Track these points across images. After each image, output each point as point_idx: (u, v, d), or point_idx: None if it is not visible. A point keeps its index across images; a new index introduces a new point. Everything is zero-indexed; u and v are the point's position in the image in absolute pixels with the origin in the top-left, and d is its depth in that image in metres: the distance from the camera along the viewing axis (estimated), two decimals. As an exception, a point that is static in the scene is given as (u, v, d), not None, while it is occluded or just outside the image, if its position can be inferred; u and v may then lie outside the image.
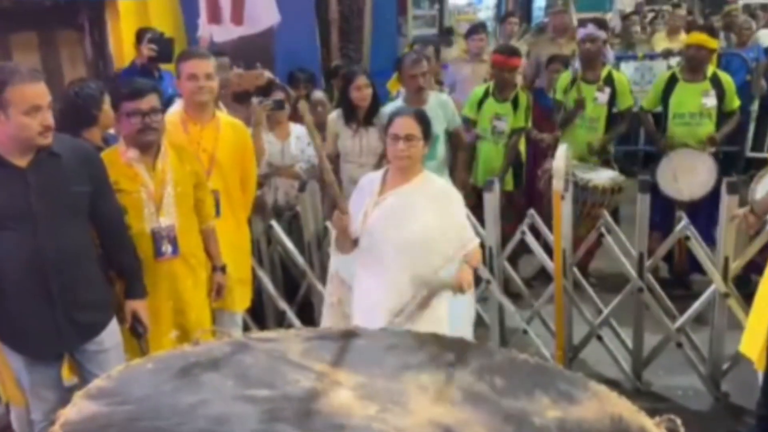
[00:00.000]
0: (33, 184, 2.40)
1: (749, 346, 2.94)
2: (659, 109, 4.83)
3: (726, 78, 4.75)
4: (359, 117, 4.22)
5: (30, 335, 2.50)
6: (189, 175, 2.95)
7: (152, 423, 1.55)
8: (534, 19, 11.32)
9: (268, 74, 4.41)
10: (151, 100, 2.78)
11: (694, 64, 4.64)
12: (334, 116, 4.36)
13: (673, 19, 7.93)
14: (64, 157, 2.48)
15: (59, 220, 2.46)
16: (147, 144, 2.81)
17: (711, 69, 4.75)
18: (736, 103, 4.73)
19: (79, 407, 1.56)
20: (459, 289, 2.64)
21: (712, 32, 4.75)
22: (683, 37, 7.71)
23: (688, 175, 4.44)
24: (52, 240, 2.42)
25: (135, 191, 2.81)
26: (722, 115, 4.67)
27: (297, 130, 4.23)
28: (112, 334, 2.69)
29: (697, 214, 4.20)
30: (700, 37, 4.63)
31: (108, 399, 1.61)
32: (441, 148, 4.32)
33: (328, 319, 2.96)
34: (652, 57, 7.24)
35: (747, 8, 9.12)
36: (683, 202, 4.44)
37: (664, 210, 4.10)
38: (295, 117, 4.14)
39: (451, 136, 4.41)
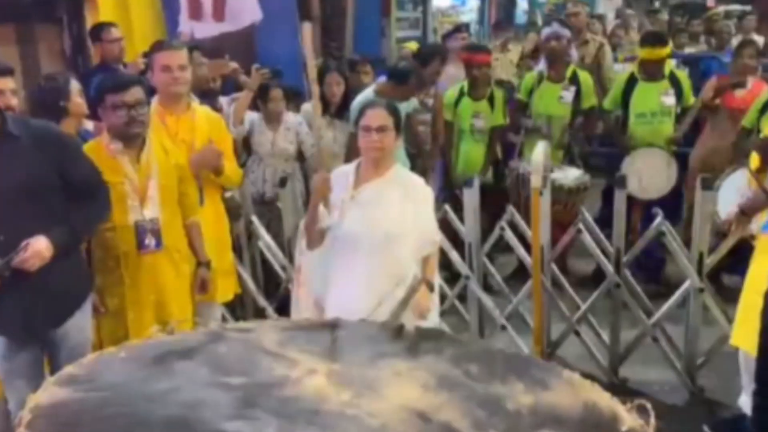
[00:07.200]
0: None
1: (741, 337, 2.96)
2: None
3: (683, 75, 4.86)
4: (331, 109, 4.35)
5: (3, 316, 2.46)
6: (174, 169, 2.93)
7: (124, 409, 1.54)
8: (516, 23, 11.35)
9: (233, 64, 4.46)
10: (136, 93, 2.75)
11: (651, 70, 4.71)
12: (308, 107, 4.40)
13: (656, 24, 8.21)
14: (22, 139, 2.43)
15: (17, 202, 2.41)
16: (133, 137, 2.79)
17: (668, 67, 4.83)
18: (692, 99, 4.81)
19: (50, 392, 1.55)
20: (419, 315, 2.58)
21: (661, 39, 4.79)
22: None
23: (653, 173, 4.48)
24: (10, 224, 2.37)
25: (118, 183, 2.77)
26: (679, 112, 4.74)
27: (289, 120, 4.28)
28: (80, 327, 2.63)
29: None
30: (652, 53, 4.67)
31: (79, 385, 1.61)
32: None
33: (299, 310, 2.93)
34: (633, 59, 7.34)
35: (728, 14, 9.29)
36: (644, 200, 4.46)
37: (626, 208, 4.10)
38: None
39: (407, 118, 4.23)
